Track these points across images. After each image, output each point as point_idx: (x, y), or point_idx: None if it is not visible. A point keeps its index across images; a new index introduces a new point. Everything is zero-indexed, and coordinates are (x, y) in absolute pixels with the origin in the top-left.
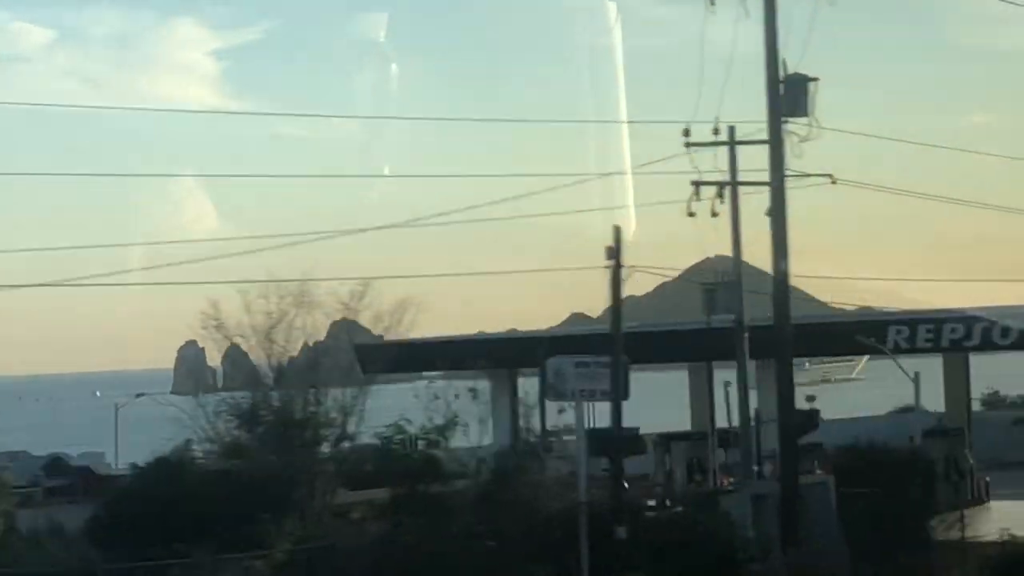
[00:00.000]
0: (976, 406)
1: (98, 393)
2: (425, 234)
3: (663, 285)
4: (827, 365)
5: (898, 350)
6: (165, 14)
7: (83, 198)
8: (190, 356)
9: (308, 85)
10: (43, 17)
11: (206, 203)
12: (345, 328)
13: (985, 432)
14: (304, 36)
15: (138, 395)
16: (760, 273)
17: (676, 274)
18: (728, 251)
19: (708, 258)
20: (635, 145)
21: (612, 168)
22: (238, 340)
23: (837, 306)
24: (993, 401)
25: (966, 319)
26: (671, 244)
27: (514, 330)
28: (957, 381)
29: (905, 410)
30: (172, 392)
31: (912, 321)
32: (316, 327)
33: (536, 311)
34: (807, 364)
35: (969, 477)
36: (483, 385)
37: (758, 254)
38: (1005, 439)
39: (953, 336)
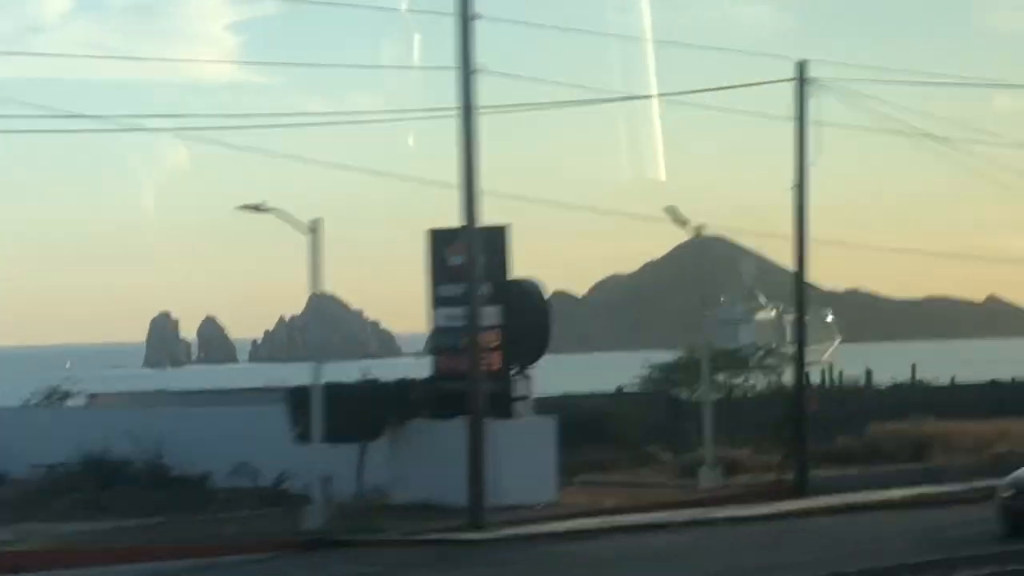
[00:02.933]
0: None
1: (68, 365)
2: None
3: (648, 264)
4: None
5: None
6: None
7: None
8: (161, 327)
9: (328, 58)
10: None
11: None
12: (323, 302)
13: None
14: (324, 8)
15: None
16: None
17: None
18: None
19: (695, 238)
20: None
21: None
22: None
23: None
24: None
25: None
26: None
27: None
28: None
29: None
30: (144, 365)
31: None
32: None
33: None
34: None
35: None
36: None
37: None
38: None
39: None
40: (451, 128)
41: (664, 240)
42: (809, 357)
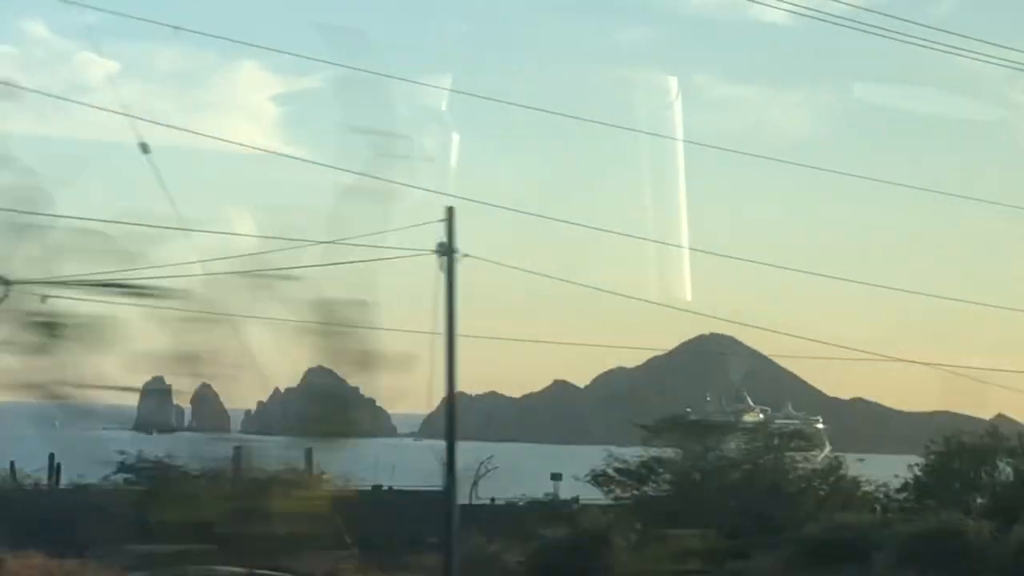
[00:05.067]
0: None
1: (57, 423)
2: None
3: (654, 359)
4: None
5: None
6: (229, 56)
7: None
8: (154, 394)
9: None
10: (107, 50)
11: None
12: (318, 375)
13: None
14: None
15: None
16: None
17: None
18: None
19: (703, 335)
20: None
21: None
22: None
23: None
24: None
25: None
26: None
27: (494, 392)
28: None
29: None
30: (134, 429)
31: None
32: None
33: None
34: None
35: None
36: None
37: (747, 332)
38: None
39: None
40: None
41: (674, 335)
42: (799, 463)
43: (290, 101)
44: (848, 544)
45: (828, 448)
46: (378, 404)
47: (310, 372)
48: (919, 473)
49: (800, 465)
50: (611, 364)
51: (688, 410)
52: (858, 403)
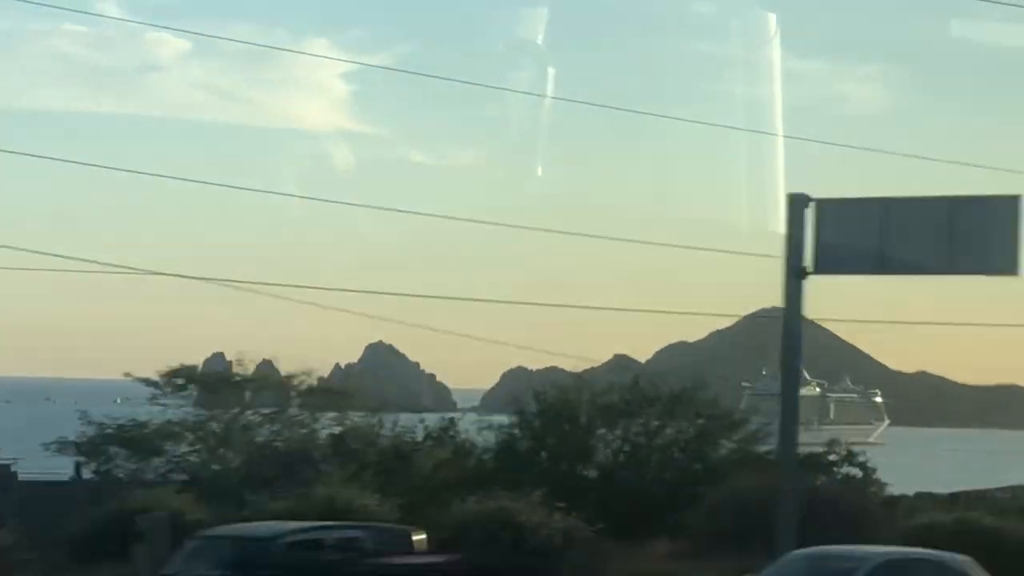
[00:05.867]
0: None
1: (118, 400)
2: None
3: (717, 332)
4: (835, 427)
5: None
6: (300, 34)
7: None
8: (214, 367)
9: (436, 114)
10: (179, 29)
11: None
12: (380, 352)
13: None
14: (436, 64)
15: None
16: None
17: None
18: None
19: (764, 308)
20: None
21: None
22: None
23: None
24: None
25: None
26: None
27: (554, 368)
28: None
29: None
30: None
31: None
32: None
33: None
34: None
35: None
36: None
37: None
38: None
39: None
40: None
41: (738, 308)
42: (855, 438)
43: (358, 79)
44: None
45: (887, 422)
46: (439, 380)
47: (370, 346)
48: None
49: None
50: (673, 338)
51: (745, 384)
52: (922, 376)
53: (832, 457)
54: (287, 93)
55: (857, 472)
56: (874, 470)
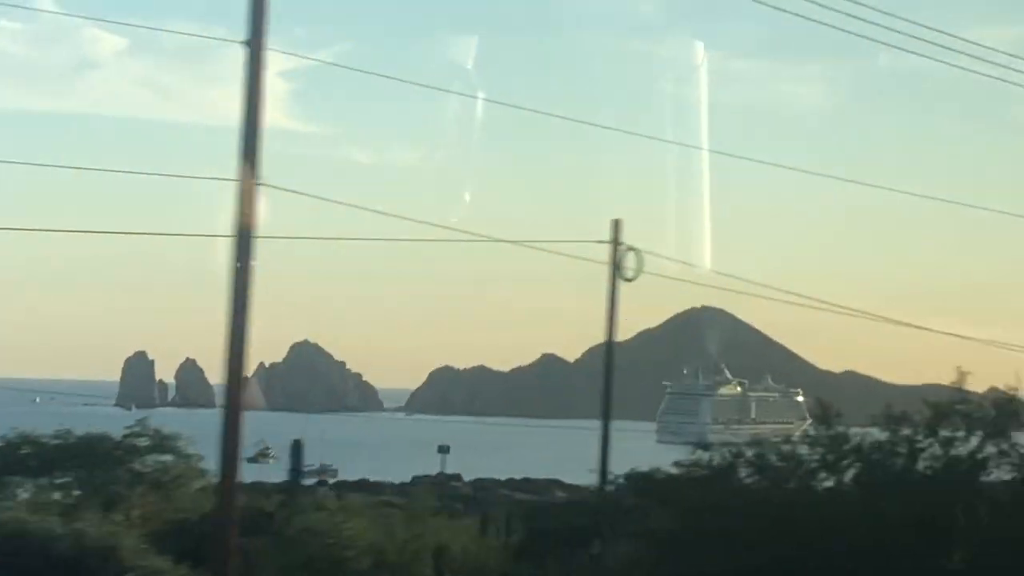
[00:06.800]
0: None
1: (38, 399)
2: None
3: (644, 332)
4: (757, 426)
5: None
6: (237, 31)
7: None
8: (136, 367)
9: (375, 110)
10: (116, 26)
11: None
12: (306, 351)
13: None
14: (375, 60)
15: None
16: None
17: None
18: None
19: (694, 308)
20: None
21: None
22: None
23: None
24: None
25: None
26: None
27: (482, 367)
28: None
29: None
30: (116, 404)
31: None
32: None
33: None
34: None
35: None
36: None
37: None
38: None
39: None
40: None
41: (666, 309)
42: (776, 437)
43: (298, 77)
44: None
45: (808, 420)
46: (364, 379)
47: (296, 346)
48: None
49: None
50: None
51: (666, 384)
52: (849, 376)
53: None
54: (222, 89)
55: None
56: None
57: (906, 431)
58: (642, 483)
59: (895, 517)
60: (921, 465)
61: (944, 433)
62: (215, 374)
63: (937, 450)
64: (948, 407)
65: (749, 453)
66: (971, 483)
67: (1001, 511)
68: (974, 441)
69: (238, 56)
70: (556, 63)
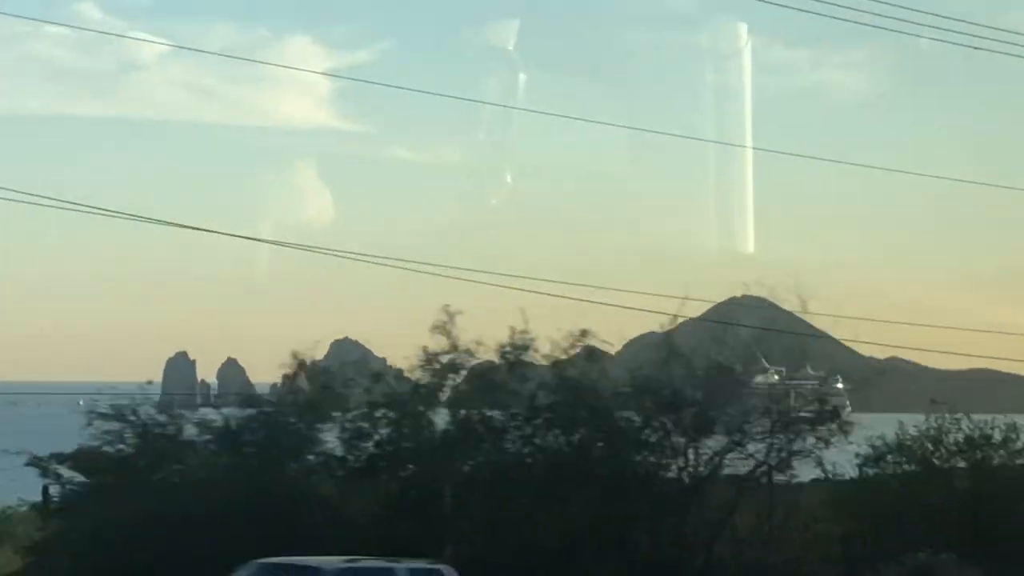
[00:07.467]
0: None
1: (81, 402)
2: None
3: (686, 322)
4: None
5: None
6: (281, 31)
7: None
8: (177, 368)
9: (419, 108)
10: (159, 29)
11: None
12: (346, 348)
13: None
14: (417, 60)
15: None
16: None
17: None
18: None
19: (734, 297)
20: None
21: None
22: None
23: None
24: None
25: None
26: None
27: None
28: None
29: None
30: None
31: None
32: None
33: None
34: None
35: None
36: None
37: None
38: None
39: None
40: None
41: (708, 298)
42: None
43: (343, 75)
44: None
45: (848, 408)
46: (406, 374)
47: (336, 342)
48: None
49: None
50: (644, 328)
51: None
52: (894, 362)
53: None
54: (268, 90)
55: None
56: None
57: None
58: None
59: None
60: None
61: None
62: (255, 373)
63: None
64: None
65: None
66: None
67: None
68: None
69: (279, 57)
70: (597, 51)
